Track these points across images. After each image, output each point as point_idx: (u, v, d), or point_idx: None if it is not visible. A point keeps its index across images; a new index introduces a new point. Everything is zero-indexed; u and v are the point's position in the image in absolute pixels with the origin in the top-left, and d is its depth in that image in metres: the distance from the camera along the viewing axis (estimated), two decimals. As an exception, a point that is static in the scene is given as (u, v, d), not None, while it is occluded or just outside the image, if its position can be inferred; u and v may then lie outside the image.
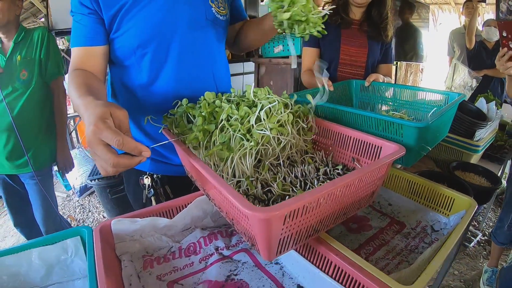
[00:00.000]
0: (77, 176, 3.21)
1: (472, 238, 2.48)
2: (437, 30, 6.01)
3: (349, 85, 1.34)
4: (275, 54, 2.86)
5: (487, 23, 3.31)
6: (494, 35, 3.25)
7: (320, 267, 0.59)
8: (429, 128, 0.75)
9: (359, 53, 1.52)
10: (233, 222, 0.60)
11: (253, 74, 3.22)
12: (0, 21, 1.52)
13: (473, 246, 2.42)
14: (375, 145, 0.68)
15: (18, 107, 1.57)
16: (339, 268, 0.55)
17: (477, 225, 2.72)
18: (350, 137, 0.74)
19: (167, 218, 0.76)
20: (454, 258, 1.16)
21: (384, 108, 1.24)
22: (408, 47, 4.18)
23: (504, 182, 1.95)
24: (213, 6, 0.96)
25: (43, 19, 5.07)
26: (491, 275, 1.95)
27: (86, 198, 3.30)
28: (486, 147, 1.34)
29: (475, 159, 1.26)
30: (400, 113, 1.13)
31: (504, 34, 1.48)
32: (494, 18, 3.66)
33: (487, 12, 5.05)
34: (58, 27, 1.96)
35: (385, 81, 1.29)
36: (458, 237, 0.62)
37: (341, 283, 0.55)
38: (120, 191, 2.43)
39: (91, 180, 2.38)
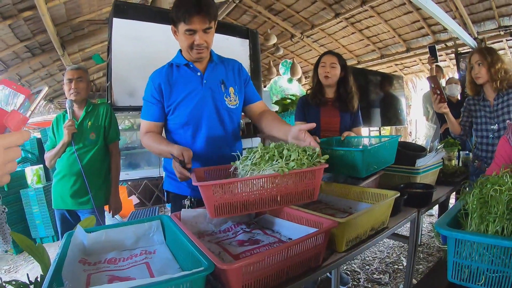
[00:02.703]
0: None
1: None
2: (418, 95, 6.82)
3: (331, 141, 1.89)
4: (276, 129, 3.65)
5: (449, 81, 3.82)
6: (456, 90, 3.72)
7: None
8: (366, 152, 1.28)
9: (334, 122, 2.13)
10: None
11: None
12: (81, 97, 2.15)
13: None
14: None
15: (86, 159, 2.13)
16: (309, 219, 1.05)
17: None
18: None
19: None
20: (415, 255, 1.59)
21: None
22: (390, 114, 4.84)
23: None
24: (227, 100, 1.54)
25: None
26: None
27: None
28: (429, 172, 1.84)
29: (419, 179, 1.74)
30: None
31: (432, 85, 2.12)
32: (457, 77, 4.29)
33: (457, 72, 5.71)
34: (117, 104, 2.68)
35: None
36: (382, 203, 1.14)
37: (311, 227, 1.03)
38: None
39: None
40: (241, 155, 1.22)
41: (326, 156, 1.12)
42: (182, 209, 1.19)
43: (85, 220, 1.27)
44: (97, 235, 1.06)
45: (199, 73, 1.51)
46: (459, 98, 3.86)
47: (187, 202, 1.52)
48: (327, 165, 1.10)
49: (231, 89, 1.56)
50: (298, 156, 1.06)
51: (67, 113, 2.14)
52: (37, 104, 0.72)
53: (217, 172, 1.32)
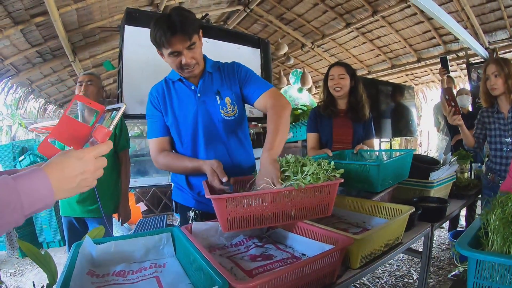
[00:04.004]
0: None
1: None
2: (428, 106, 6.76)
3: (343, 154, 1.89)
4: (287, 140, 3.58)
5: (459, 92, 3.74)
6: (466, 101, 3.64)
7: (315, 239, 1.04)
8: (382, 167, 1.25)
9: (346, 134, 2.10)
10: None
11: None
12: None
13: None
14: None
15: (96, 167, 2.10)
16: (323, 234, 1.01)
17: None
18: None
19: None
20: (428, 270, 1.55)
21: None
22: (401, 125, 4.79)
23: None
24: (222, 112, 1.47)
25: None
26: None
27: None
28: (443, 186, 1.80)
29: (432, 193, 1.70)
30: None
31: (447, 97, 2.09)
32: (468, 87, 4.23)
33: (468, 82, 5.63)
34: (128, 112, 2.68)
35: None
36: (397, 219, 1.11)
37: (326, 243, 0.99)
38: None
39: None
40: (256, 167, 1.21)
41: (342, 170, 1.09)
42: (194, 222, 1.17)
43: (93, 231, 1.25)
44: (106, 246, 1.04)
45: (193, 87, 1.48)
46: (470, 110, 3.81)
47: (191, 214, 1.50)
48: (342, 180, 1.07)
49: (227, 99, 1.49)
50: (315, 170, 1.03)
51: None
52: (117, 119, 0.79)
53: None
